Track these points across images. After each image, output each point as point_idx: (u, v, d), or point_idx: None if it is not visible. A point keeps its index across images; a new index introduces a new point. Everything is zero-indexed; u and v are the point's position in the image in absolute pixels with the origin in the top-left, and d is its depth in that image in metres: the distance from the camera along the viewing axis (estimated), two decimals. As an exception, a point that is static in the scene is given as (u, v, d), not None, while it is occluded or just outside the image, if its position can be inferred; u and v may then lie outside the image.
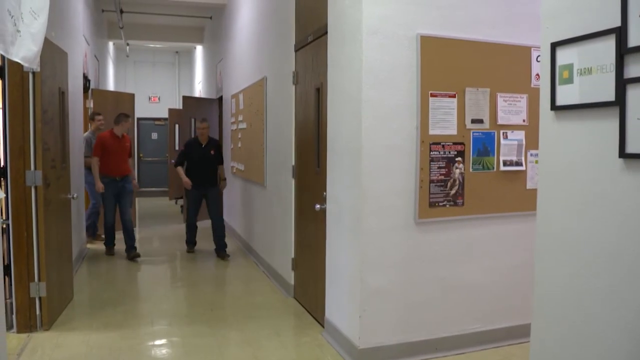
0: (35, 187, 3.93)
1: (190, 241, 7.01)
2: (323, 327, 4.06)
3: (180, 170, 6.68)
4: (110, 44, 12.59)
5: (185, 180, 6.60)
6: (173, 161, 7.91)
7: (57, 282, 4.34)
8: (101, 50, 10.35)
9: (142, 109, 13.34)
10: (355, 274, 3.43)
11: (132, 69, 15.14)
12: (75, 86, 6.23)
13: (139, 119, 12.90)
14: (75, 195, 4.92)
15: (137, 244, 6.72)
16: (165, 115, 11.68)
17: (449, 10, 3.46)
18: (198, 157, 6.62)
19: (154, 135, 14.84)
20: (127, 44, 12.37)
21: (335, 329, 3.77)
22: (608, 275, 1.88)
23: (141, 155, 14.39)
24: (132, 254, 6.54)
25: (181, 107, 10.10)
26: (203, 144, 6.66)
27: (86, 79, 7.55)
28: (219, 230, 6.65)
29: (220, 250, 6.67)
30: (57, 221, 4.36)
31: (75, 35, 6.58)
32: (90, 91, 7.96)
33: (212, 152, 6.68)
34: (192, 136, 7.86)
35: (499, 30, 3.59)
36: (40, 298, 4.01)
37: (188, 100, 9.79)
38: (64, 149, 4.71)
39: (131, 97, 9.14)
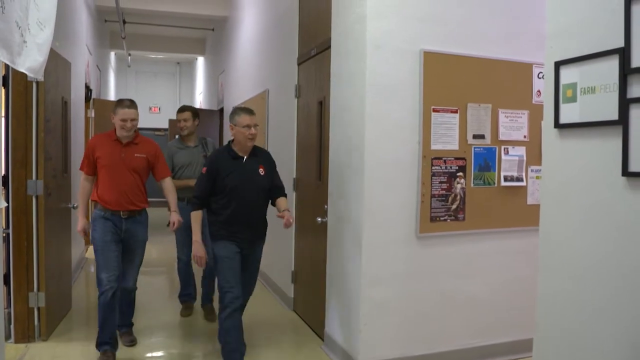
0: (36, 197, 3.93)
1: (235, 349, 3.48)
2: (323, 340, 4.05)
3: (197, 218, 3.51)
4: (112, 54, 12.65)
5: (199, 254, 3.46)
6: (191, 202, 3.74)
7: (56, 292, 4.33)
8: (103, 60, 10.40)
9: (143, 119, 13.28)
10: (356, 288, 3.43)
11: (133, 79, 15.21)
12: (77, 96, 6.26)
13: (139, 129, 12.90)
14: (75, 205, 4.92)
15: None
16: (166, 125, 11.68)
17: (452, 27, 3.49)
18: (236, 182, 3.44)
19: (154, 146, 14.86)
20: (129, 54, 12.43)
21: (335, 343, 3.76)
22: (611, 292, 1.88)
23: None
24: (127, 336, 4.09)
25: (182, 118, 10.12)
26: (244, 156, 3.54)
27: (88, 89, 7.58)
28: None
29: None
30: (57, 231, 4.35)
31: (78, 45, 6.62)
32: (91, 101, 7.99)
33: (260, 170, 3.55)
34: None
35: (501, 47, 3.62)
36: (39, 308, 4.00)
37: (189, 111, 9.80)
38: (65, 158, 4.72)
39: (132, 107, 9.17)
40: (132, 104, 3.86)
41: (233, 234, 3.46)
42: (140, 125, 4.03)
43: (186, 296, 4.98)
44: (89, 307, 5.10)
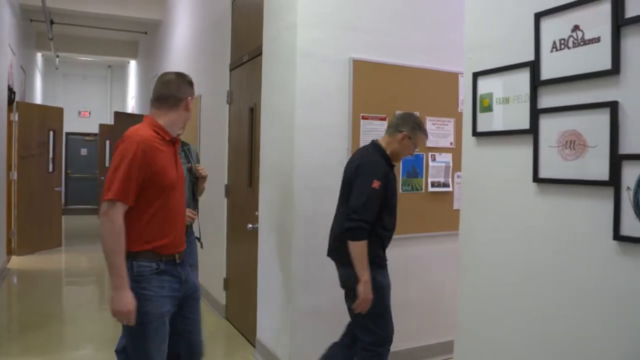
0: (-49, 205, 3.72)
1: None
2: (255, 347, 4.03)
3: (365, 249, 2.78)
4: (39, 55, 12.14)
5: (370, 296, 2.86)
6: (353, 226, 2.78)
7: (-27, 305, 4.10)
8: (28, 62, 9.96)
9: (72, 124, 12.91)
10: (286, 294, 3.44)
11: (62, 82, 14.63)
12: (-2, 99, 5.97)
13: (67, 133, 12.46)
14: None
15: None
16: (96, 130, 11.33)
17: (381, 36, 3.57)
18: (396, 197, 2.95)
19: (84, 151, 14.37)
20: (57, 56, 11.96)
21: (267, 349, 3.74)
22: (526, 294, 1.97)
23: (69, 172, 13.91)
24: None
25: (112, 123, 9.85)
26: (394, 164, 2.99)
27: (11, 91, 7.24)
28: None
29: None
30: (-26, 240, 4.14)
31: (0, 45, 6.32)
32: (15, 104, 7.64)
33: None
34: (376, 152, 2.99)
35: (428, 57, 3.73)
36: (-47, 322, 3.78)
37: (120, 115, 9.54)
38: (-16, 164, 4.50)
39: (60, 111, 8.83)
40: None
41: (385, 254, 3.02)
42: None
43: None
44: (11, 320, 4.87)
